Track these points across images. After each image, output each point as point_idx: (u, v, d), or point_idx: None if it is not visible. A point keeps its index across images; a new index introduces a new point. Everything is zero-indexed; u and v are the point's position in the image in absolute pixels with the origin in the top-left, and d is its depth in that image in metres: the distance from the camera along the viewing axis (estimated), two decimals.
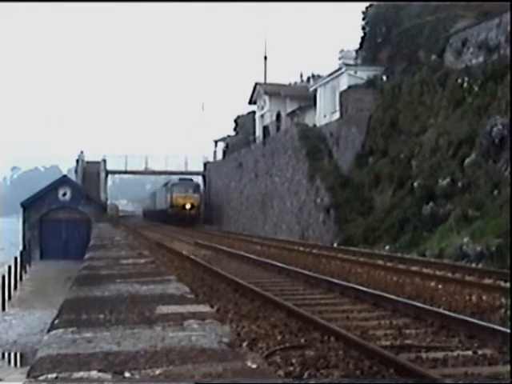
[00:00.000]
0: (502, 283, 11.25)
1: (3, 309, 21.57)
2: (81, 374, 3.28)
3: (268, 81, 52.60)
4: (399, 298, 9.05)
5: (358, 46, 39.42)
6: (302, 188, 31.90)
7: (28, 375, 3.32)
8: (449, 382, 5.13)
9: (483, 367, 5.67)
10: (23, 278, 29.43)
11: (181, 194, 50.33)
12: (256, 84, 50.09)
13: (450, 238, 17.79)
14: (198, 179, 57.23)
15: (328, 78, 37.77)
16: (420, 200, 21.07)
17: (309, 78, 50.20)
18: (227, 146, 57.20)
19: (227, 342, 4.02)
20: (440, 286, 10.72)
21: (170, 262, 16.53)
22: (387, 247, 20.46)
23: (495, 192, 18.28)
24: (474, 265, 15.08)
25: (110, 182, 69.34)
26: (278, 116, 46.50)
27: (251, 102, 51.62)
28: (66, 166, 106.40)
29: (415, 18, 32.85)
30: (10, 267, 25.42)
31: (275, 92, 46.98)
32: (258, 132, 49.15)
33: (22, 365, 14.28)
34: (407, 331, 7.16)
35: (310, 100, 40.57)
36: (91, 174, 48.34)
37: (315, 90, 39.56)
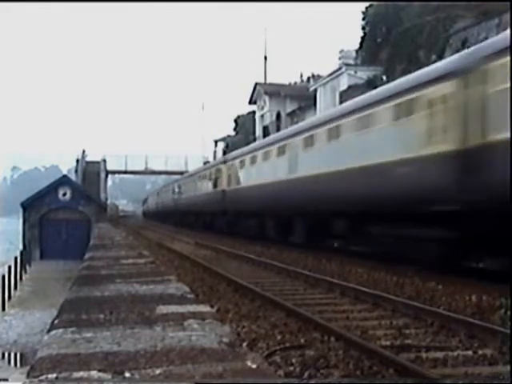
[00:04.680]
0: (502, 283, 11.23)
1: (3, 309, 21.57)
2: (81, 373, 3.29)
3: (268, 81, 52.62)
4: (399, 298, 9.05)
5: (357, 46, 39.42)
6: None
7: (28, 375, 3.33)
8: (449, 382, 5.13)
9: (483, 367, 5.67)
10: (23, 278, 29.44)
11: None
12: (256, 84, 50.10)
13: None
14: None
15: (328, 78, 37.79)
16: None
17: (309, 78, 50.23)
18: (227, 146, 57.20)
19: (227, 341, 4.03)
20: (440, 286, 10.72)
21: (170, 262, 16.53)
22: None
23: None
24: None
25: (110, 182, 69.39)
26: (278, 116, 46.51)
27: (251, 101, 51.64)
28: (66, 166, 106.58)
29: (415, 17, 32.83)
30: (10, 267, 25.42)
31: (275, 92, 47.01)
32: (258, 132, 49.15)
33: (22, 365, 14.28)
34: (407, 331, 7.16)
35: (310, 100, 40.59)
36: (91, 173, 48.31)
37: (315, 90, 39.58)
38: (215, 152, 62.02)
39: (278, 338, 6.83)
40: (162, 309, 5.45)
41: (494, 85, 10.63)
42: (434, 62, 27.45)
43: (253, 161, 25.32)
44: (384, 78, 31.96)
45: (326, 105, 36.76)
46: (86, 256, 13.79)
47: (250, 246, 22.21)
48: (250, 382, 3.18)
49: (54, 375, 3.28)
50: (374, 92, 16.48)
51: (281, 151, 21.56)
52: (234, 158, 28.95)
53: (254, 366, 3.43)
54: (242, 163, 26.96)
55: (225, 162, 30.56)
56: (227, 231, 29.16)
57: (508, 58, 10.19)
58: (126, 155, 55.54)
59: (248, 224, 25.99)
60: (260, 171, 24.18)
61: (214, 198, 30.92)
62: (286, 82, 54.83)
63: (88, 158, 51.63)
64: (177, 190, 47.52)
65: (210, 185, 33.24)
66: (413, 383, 5.16)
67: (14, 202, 77.04)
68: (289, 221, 21.00)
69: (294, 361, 5.83)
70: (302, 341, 6.69)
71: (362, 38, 39.13)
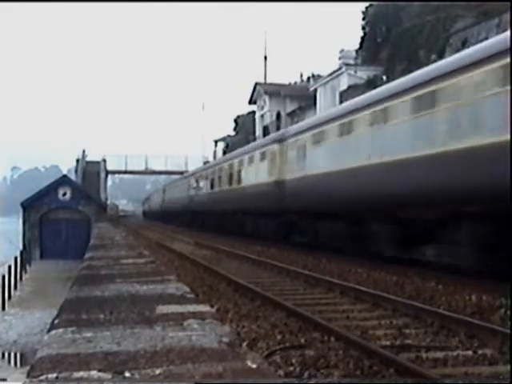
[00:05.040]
0: (502, 283, 11.23)
1: (3, 309, 21.56)
2: (81, 373, 3.28)
3: (268, 81, 52.65)
4: (399, 298, 9.05)
5: (358, 45, 39.46)
6: None
7: (28, 375, 3.32)
8: (449, 381, 5.12)
9: (483, 367, 5.67)
10: (23, 277, 29.43)
11: None
12: (256, 84, 50.13)
13: None
14: None
15: (328, 78, 37.81)
16: None
17: (309, 78, 50.25)
18: (227, 146, 57.23)
19: (227, 341, 4.02)
20: (440, 286, 10.71)
21: (170, 262, 16.53)
22: None
23: None
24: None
25: (109, 182, 69.43)
26: (278, 116, 46.52)
27: (251, 101, 51.68)
28: (66, 166, 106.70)
29: (415, 17, 32.86)
30: (10, 267, 25.41)
31: (275, 92, 47.06)
32: (258, 132, 49.17)
33: (22, 365, 14.28)
34: (407, 331, 7.15)
35: (310, 100, 40.62)
36: (91, 173, 48.33)
37: (315, 90, 39.60)
38: (215, 152, 62.09)
39: (278, 337, 6.83)
40: (162, 309, 5.44)
41: None
42: (434, 61, 27.50)
43: (343, 131, 16.51)
44: (384, 77, 31.96)
45: (326, 105, 36.77)
46: (86, 256, 13.78)
47: (250, 245, 22.20)
48: (250, 382, 3.17)
49: (54, 375, 3.27)
50: None
51: (416, 107, 12.87)
52: (300, 133, 20.14)
53: (253, 366, 3.42)
54: (320, 137, 18.06)
55: (280, 140, 21.99)
56: (285, 239, 21.58)
57: None
58: (126, 155, 55.71)
59: (329, 229, 17.75)
60: (361, 146, 15.29)
61: (264, 192, 22.87)
62: (286, 82, 54.88)
63: (88, 158, 51.67)
64: (194, 185, 40.19)
65: (255, 174, 25.09)
66: (413, 383, 5.16)
67: (14, 201, 77.05)
68: (427, 226, 12.95)
69: (294, 361, 5.84)
70: (302, 341, 6.69)
71: (362, 37, 39.17)
